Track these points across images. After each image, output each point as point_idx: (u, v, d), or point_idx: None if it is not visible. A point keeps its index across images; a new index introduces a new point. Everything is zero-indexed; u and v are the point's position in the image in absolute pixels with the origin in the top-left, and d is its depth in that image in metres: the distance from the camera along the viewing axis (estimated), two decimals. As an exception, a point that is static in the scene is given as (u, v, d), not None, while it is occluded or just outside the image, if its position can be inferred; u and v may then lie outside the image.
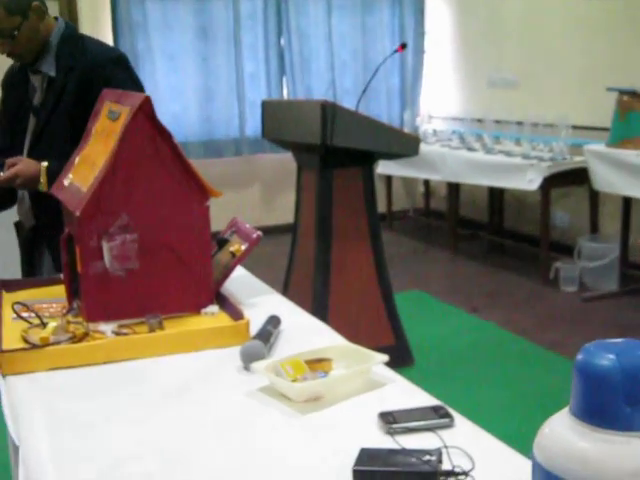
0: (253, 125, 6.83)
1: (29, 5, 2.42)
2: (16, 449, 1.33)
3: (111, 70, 2.50)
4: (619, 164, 4.76)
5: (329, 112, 3.58)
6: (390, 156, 4.65)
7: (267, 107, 4.26)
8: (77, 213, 1.70)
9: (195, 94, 6.83)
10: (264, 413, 1.37)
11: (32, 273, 2.67)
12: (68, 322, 1.71)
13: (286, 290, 4.12)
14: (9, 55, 2.52)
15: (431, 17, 7.53)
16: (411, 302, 4.98)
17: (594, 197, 5.46)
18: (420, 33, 7.54)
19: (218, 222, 2.18)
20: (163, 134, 1.75)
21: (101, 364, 1.60)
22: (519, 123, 5.95)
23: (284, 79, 7.13)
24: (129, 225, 1.74)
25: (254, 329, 1.68)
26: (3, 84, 2.72)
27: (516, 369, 4.05)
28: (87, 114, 2.04)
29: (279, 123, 4.13)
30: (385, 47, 7.29)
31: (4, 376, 1.57)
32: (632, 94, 4.76)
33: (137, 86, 2.54)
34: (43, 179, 2.41)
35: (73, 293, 1.86)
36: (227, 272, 1.94)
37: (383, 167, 6.78)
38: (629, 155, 4.70)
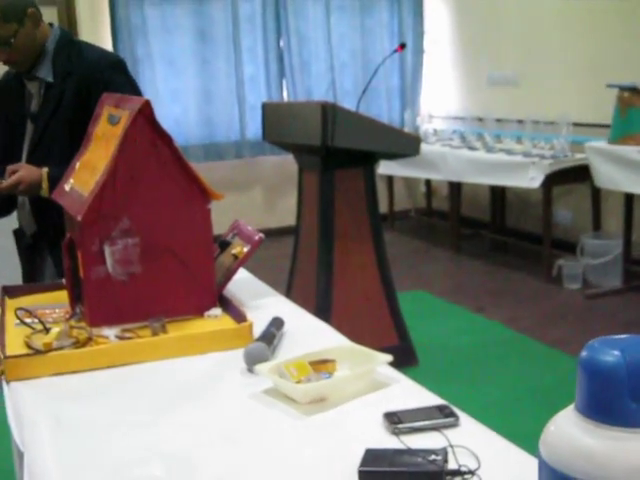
0: (254, 128, 6.84)
1: (25, 12, 2.42)
2: (21, 455, 1.33)
3: (109, 75, 2.50)
4: (621, 161, 4.76)
5: (329, 113, 3.58)
6: (391, 156, 4.65)
7: (267, 109, 4.26)
8: (78, 218, 1.70)
9: (195, 97, 6.83)
10: (268, 415, 1.37)
11: (33, 280, 2.66)
12: (71, 327, 1.71)
13: (289, 292, 4.12)
14: (6, 63, 2.51)
15: (430, 17, 7.52)
16: (414, 302, 4.98)
17: (596, 194, 5.45)
18: (419, 33, 7.54)
19: (220, 225, 2.18)
20: (163, 137, 1.75)
21: (105, 369, 1.60)
22: (520, 121, 5.95)
23: (284, 81, 7.13)
24: (131, 229, 1.74)
25: (257, 331, 1.68)
26: None
27: (520, 367, 4.04)
28: (86, 119, 2.04)
29: (279, 125, 4.13)
30: (384, 47, 7.29)
31: (8, 382, 1.57)
32: (632, 90, 4.75)
33: (135, 90, 2.54)
34: (45, 185, 2.41)
35: (76, 298, 1.86)
36: (230, 274, 1.94)
37: (384, 167, 6.78)
38: (630, 151, 4.69)
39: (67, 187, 1.93)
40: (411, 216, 7.77)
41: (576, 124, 5.50)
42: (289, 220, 4.94)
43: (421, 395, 1.41)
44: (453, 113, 7.16)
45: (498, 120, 6.26)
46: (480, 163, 5.85)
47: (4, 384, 1.59)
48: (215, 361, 1.63)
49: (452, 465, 1.11)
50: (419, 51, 7.57)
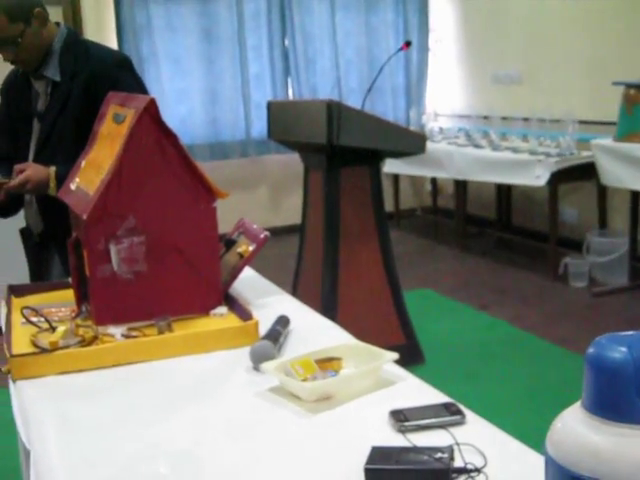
0: (259, 126, 6.84)
1: (31, 12, 2.43)
2: (27, 453, 1.33)
3: (117, 73, 2.50)
4: (627, 158, 4.74)
5: (335, 111, 3.58)
6: (397, 154, 4.64)
7: (273, 108, 4.26)
8: (84, 217, 1.70)
9: (200, 96, 6.83)
10: (274, 413, 1.37)
11: (40, 279, 2.66)
12: (77, 326, 1.71)
13: (295, 290, 4.12)
14: (13, 62, 2.52)
15: (435, 15, 7.51)
16: (420, 300, 4.98)
17: (602, 192, 5.44)
18: (424, 31, 7.53)
19: (226, 224, 2.18)
20: (168, 136, 1.75)
21: (111, 367, 1.60)
22: (525, 119, 5.94)
23: (289, 79, 7.12)
24: (136, 227, 1.74)
25: (263, 329, 1.68)
26: (3, 90, 2.72)
27: (526, 365, 4.03)
28: (93, 118, 2.05)
29: (285, 124, 4.12)
30: (390, 45, 7.28)
31: (14, 381, 1.57)
32: (639, 87, 4.73)
33: (142, 89, 2.55)
34: (52, 183, 2.42)
35: (82, 297, 1.86)
36: (235, 273, 1.94)
37: (390, 166, 6.77)
38: (637, 149, 4.68)
39: (73, 186, 1.93)
40: (417, 214, 7.76)
41: (582, 122, 5.49)
42: (295, 219, 4.93)
43: (427, 393, 1.41)
44: (459, 111, 7.15)
45: (504, 118, 6.25)
46: (486, 161, 5.84)
47: (10, 383, 1.59)
48: (221, 359, 1.63)
49: (458, 463, 1.11)
50: (424, 49, 7.55)
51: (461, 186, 6.48)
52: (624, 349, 0.73)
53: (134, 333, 1.70)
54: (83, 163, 1.96)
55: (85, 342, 1.65)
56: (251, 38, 6.92)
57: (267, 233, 1.96)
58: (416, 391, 1.42)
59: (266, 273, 2.28)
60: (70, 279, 1.95)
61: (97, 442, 1.30)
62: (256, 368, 1.54)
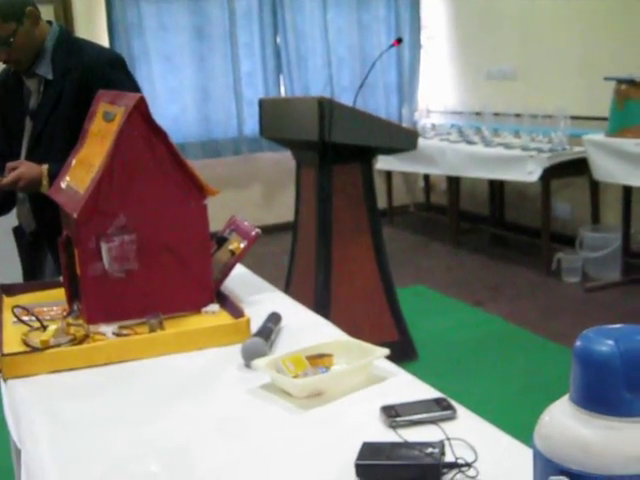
0: (251, 124, 6.83)
1: (23, 11, 2.42)
2: (18, 452, 1.33)
3: (109, 72, 2.50)
4: (619, 153, 4.75)
5: (326, 108, 3.58)
6: (389, 151, 4.64)
7: (265, 105, 4.26)
8: (75, 215, 1.70)
9: (192, 94, 6.82)
10: (266, 410, 1.37)
11: (34, 278, 2.66)
12: (68, 324, 1.71)
13: (288, 288, 4.12)
14: (5, 62, 2.52)
15: (427, 11, 7.51)
16: (414, 297, 4.98)
17: (594, 187, 5.44)
18: (416, 28, 7.53)
19: (218, 222, 2.17)
20: (158, 134, 1.75)
21: (102, 365, 1.60)
22: (518, 115, 5.94)
23: (281, 77, 7.11)
24: (127, 226, 1.74)
25: (255, 327, 1.68)
26: None
27: (520, 361, 4.04)
28: (85, 116, 2.04)
29: (277, 121, 4.12)
30: (381, 42, 7.27)
31: (5, 380, 1.57)
32: (630, 83, 4.74)
33: (135, 87, 2.54)
34: (45, 181, 2.41)
35: (73, 295, 1.86)
36: (227, 270, 1.94)
37: (383, 163, 6.77)
38: (628, 144, 4.69)
39: (63, 184, 1.93)
40: (410, 211, 7.76)
41: (574, 117, 5.49)
42: (287, 216, 4.93)
43: (419, 389, 1.41)
44: (451, 108, 7.15)
45: (496, 114, 6.25)
46: (478, 157, 5.84)
47: (1, 382, 1.59)
48: (213, 357, 1.63)
49: (449, 458, 1.11)
50: (416, 46, 7.55)
51: (454, 182, 6.48)
52: (611, 342, 0.73)
53: (125, 331, 1.70)
54: (73, 161, 1.96)
55: (76, 341, 1.65)
56: (243, 36, 6.91)
57: (258, 230, 1.96)
58: (407, 387, 1.42)
59: (259, 270, 2.28)
60: (61, 277, 1.95)
61: (88, 441, 1.29)
62: (247, 365, 1.54)
